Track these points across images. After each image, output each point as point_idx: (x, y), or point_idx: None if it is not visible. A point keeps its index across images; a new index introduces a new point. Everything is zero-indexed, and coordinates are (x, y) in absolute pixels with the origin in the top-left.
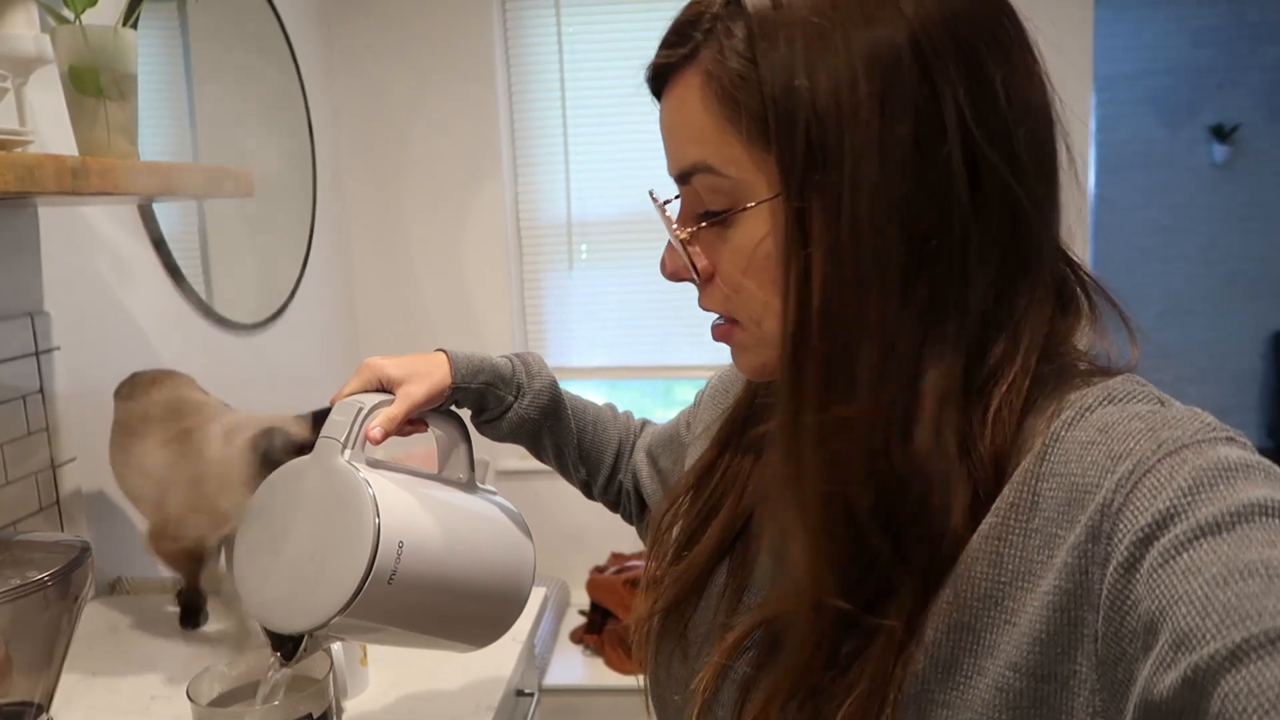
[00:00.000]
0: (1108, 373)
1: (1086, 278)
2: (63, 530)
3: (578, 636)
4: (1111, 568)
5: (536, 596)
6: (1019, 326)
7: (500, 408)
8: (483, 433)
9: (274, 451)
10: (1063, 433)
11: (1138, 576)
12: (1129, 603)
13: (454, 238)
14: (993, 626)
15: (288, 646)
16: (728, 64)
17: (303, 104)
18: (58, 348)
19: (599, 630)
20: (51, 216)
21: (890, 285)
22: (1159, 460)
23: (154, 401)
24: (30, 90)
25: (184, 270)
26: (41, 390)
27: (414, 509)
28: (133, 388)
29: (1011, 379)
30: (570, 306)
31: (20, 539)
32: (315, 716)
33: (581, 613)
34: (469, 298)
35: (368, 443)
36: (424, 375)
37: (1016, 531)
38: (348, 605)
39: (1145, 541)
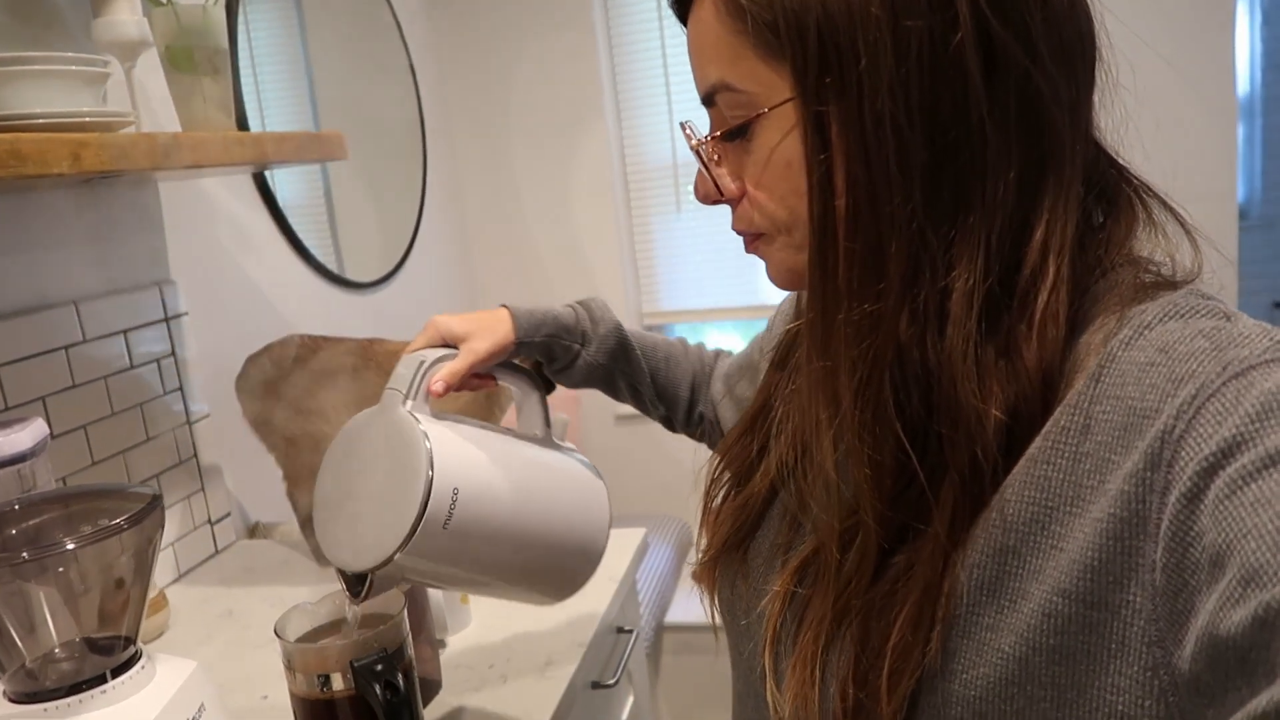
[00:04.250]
0: (1172, 284)
1: (1137, 181)
2: (201, 482)
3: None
4: (1173, 497)
5: (634, 538)
6: (1049, 227)
7: (568, 357)
8: (558, 381)
9: None
10: (1119, 352)
11: (1202, 507)
12: (1193, 534)
13: (562, 184)
14: (1038, 551)
15: (356, 585)
16: None
17: (408, 64)
18: (186, 313)
19: None
20: (171, 191)
21: (913, 181)
22: (1224, 383)
23: (335, 352)
24: (140, 72)
25: (306, 233)
26: (174, 353)
27: (473, 459)
28: (296, 351)
29: (1050, 285)
30: (680, 248)
31: (97, 488)
32: (389, 651)
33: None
34: (579, 243)
35: (431, 395)
36: (487, 331)
37: (1065, 455)
38: (401, 548)
39: (1210, 471)
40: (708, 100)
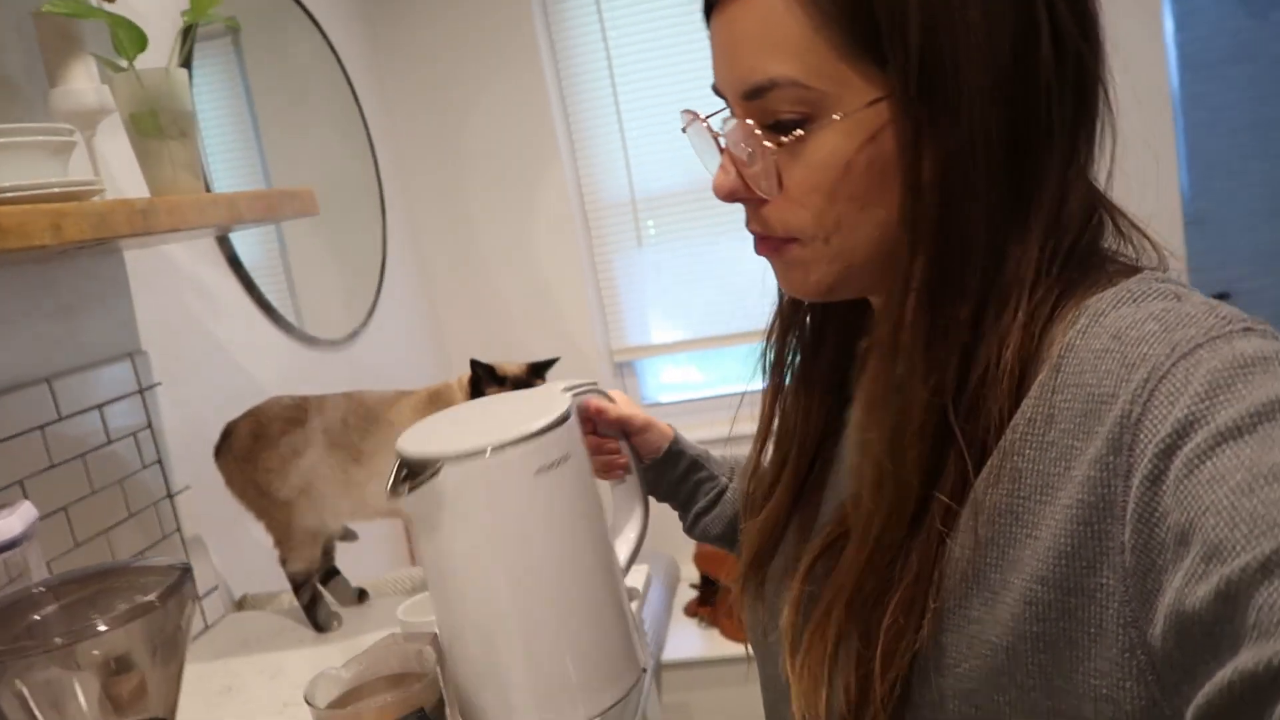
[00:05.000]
0: (1132, 270)
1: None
2: (186, 556)
3: (691, 610)
4: (1136, 480)
5: (639, 573)
6: (1066, 225)
7: (715, 487)
8: (697, 529)
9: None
10: (1077, 341)
11: (1164, 488)
12: (1157, 515)
13: (522, 228)
14: (1015, 541)
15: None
16: None
17: (359, 118)
18: (159, 383)
19: (711, 602)
20: (136, 259)
21: (996, 186)
22: (1174, 364)
23: (318, 410)
24: (101, 139)
25: (269, 293)
26: (150, 425)
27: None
28: (277, 413)
29: (1047, 280)
30: (644, 283)
31: (127, 565)
32: (427, 710)
33: (692, 586)
34: (544, 285)
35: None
36: (651, 418)
37: (1033, 445)
38: (506, 445)
39: (1168, 452)
40: (754, 94)
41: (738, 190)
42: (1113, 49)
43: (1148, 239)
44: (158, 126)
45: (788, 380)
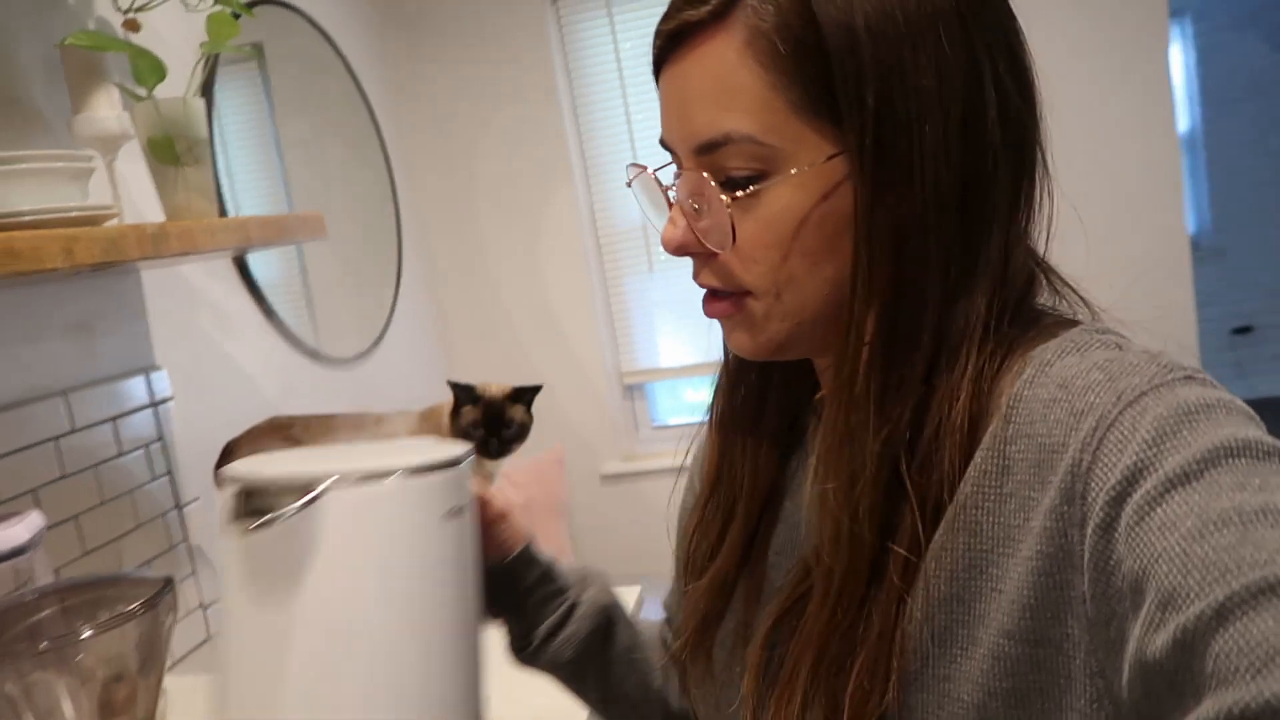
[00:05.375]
0: (1071, 323)
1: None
2: (194, 566)
3: None
4: (1090, 529)
5: (630, 594)
6: (1011, 280)
7: (564, 603)
8: (544, 654)
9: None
10: (1025, 391)
11: (1116, 536)
12: (1111, 563)
13: (534, 251)
14: (980, 595)
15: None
16: (781, 21)
17: (378, 142)
18: (171, 398)
19: None
20: (152, 278)
21: (948, 245)
22: (1120, 412)
23: (317, 430)
24: (122, 162)
25: (287, 312)
26: (161, 438)
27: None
28: (278, 433)
29: (988, 337)
30: (654, 307)
31: (120, 576)
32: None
33: None
34: (554, 309)
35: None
36: (512, 509)
37: (991, 498)
38: (415, 473)
39: (1118, 500)
40: (707, 149)
41: (688, 244)
42: (1121, 81)
43: (1079, 297)
44: (174, 153)
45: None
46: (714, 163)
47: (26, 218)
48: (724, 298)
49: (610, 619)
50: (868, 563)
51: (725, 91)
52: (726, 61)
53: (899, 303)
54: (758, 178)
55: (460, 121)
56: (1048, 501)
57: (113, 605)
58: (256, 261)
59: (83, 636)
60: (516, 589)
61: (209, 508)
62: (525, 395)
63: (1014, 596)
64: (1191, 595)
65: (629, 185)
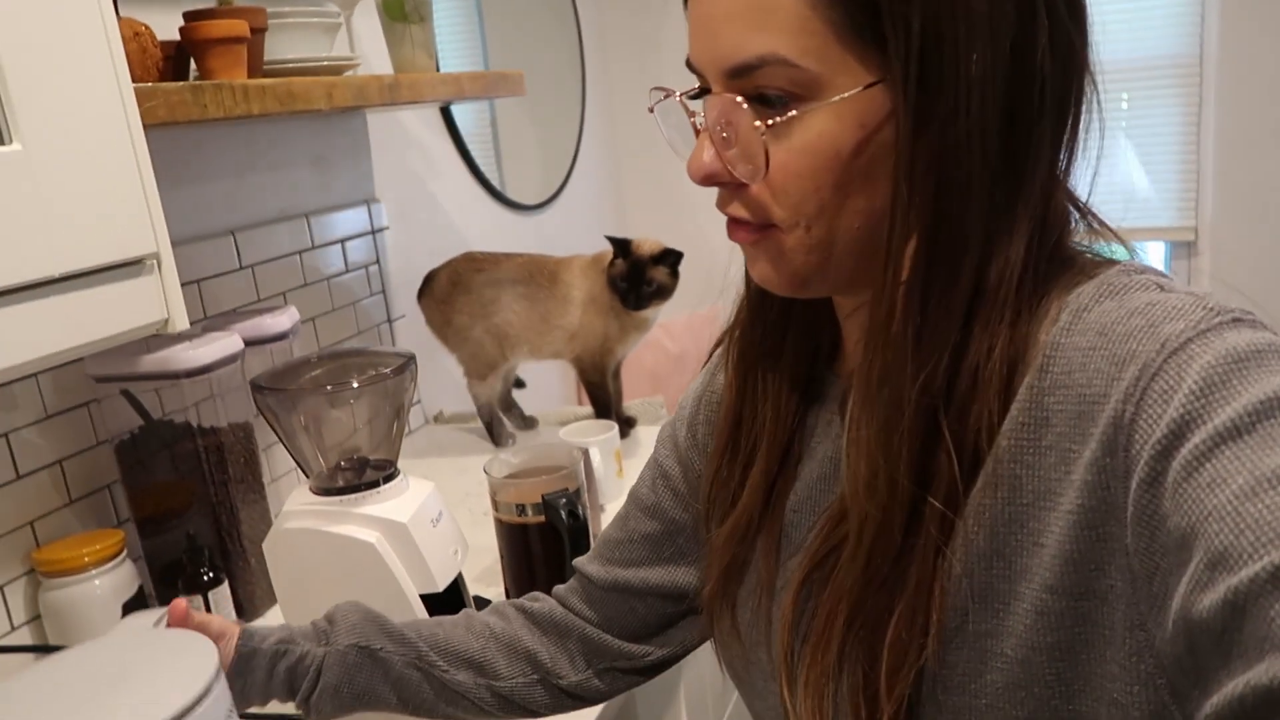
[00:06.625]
0: (1107, 263)
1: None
2: None
3: None
4: (1135, 483)
5: None
6: (1051, 222)
7: (313, 662)
8: (320, 713)
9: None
10: (1062, 340)
11: (1162, 490)
12: (1157, 518)
13: None
14: (1021, 550)
15: None
16: None
17: (570, 4)
18: (387, 227)
19: None
20: (375, 122)
21: (990, 179)
22: (1165, 361)
23: (506, 268)
24: (357, 19)
25: (479, 158)
26: (378, 261)
27: None
28: (472, 266)
29: (1024, 278)
30: None
31: (369, 349)
32: (570, 491)
33: None
34: None
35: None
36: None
37: (1029, 451)
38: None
39: (1165, 454)
40: (739, 72)
41: (717, 173)
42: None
43: (1120, 241)
44: (403, 11)
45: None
46: (746, 87)
47: (291, 64)
48: (749, 225)
49: (368, 653)
50: (904, 511)
51: (760, 9)
52: None
53: (938, 239)
54: (792, 104)
55: None
56: (1088, 454)
57: (365, 370)
58: (458, 111)
59: (354, 385)
60: (256, 682)
61: (411, 324)
62: (669, 258)
63: (1055, 551)
64: (1244, 556)
65: (650, 110)
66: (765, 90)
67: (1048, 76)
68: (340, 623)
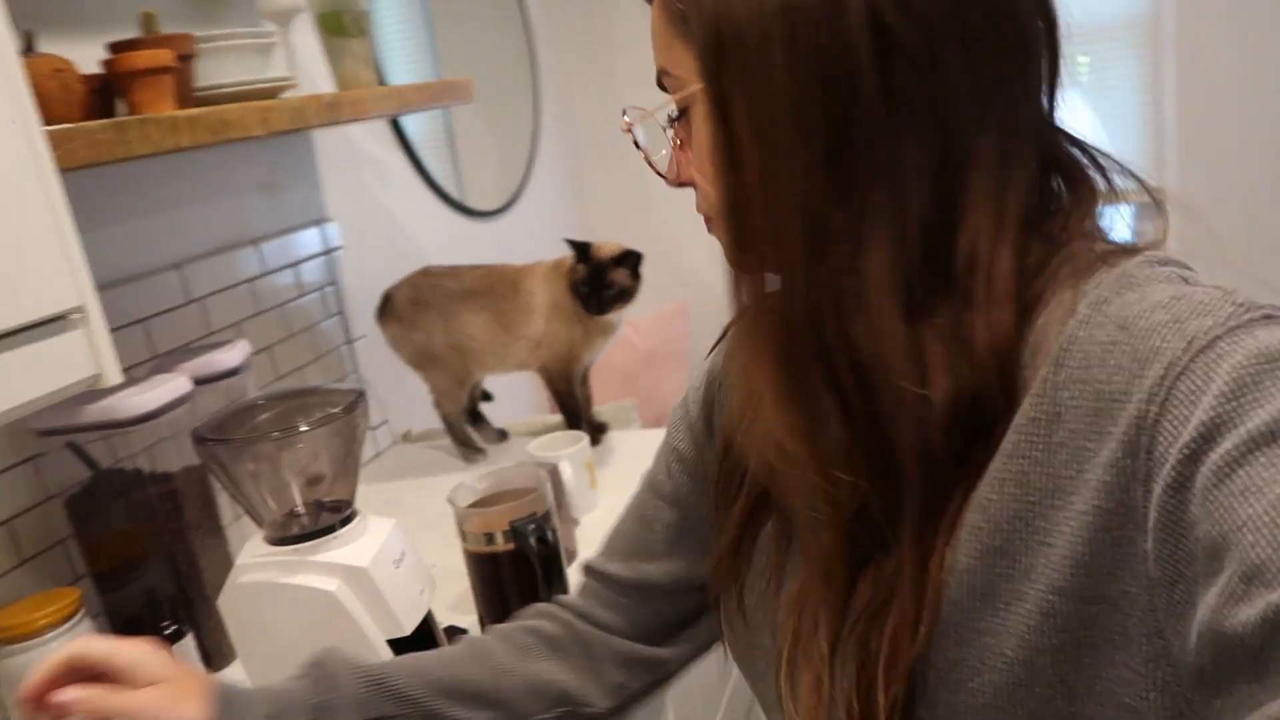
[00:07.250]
0: (1127, 251)
1: (1095, 150)
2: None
3: None
4: (1158, 487)
5: None
6: (980, 211)
7: None
8: None
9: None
10: (1079, 333)
11: (1189, 496)
12: (1184, 525)
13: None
14: (1026, 549)
15: None
16: None
17: (518, 7)
18: (341, 247)
19: None
20: (322, 139)
21: (814, 160)
22: (1191, 359)
23: (466, 280)
24: (295, 36)
25: (432, 166)
26: (334, 282)
27: None
28: (430, 282)
29: (991, 268)
30: None
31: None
32: (539, 514)
33: None
34: None
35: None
36: (165, 693)
37: (1039, 447)
38: None
39: (1193, 459)
40: (659, 86)
41: (668, 176)
42: None
43: (1148, 192)
44: (341, 25)
45: None
46: (668, 99)
47: (225, 89)
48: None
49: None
50: (899, 496)
51: (654, 30)
52: (656, 4)
53: (764, 230)
54: (684, 109)
55: None
56: (1106, 454)
57: (314, 411)
58: (410, 121)
59: (301, 429)
60: None
61: (374, 344)
62: (629, 260)
63: (1065, 552)
64: None
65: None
66: (673, 98)
67: (870, 65)
68: (342, 690)
